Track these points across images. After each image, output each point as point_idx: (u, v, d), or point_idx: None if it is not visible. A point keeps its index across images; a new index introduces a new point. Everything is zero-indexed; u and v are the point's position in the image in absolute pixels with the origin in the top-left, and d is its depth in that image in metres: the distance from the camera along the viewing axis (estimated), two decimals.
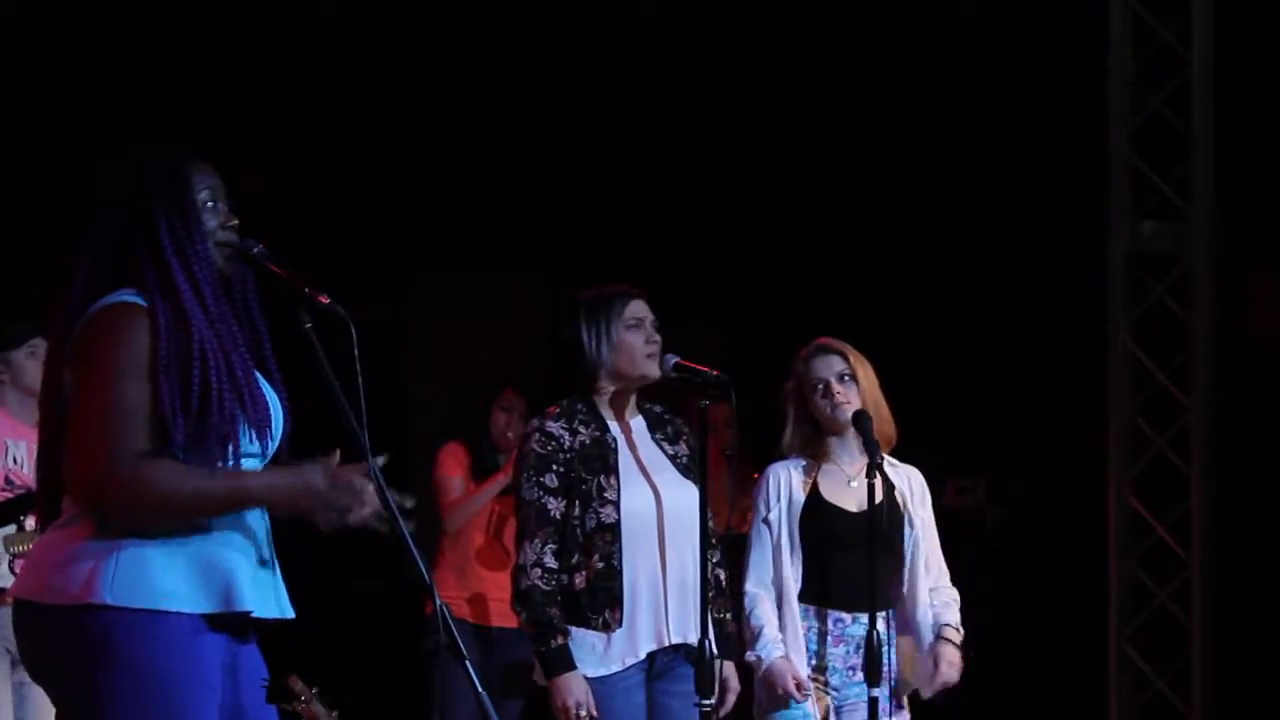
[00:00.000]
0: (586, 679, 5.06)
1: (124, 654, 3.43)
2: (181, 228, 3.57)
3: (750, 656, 5.42)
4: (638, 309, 5.25)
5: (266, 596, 3.58)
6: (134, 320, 3.49)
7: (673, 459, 5.27)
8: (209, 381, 3.49)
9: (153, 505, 3.44)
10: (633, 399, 5.29)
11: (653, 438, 5.28)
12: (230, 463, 3.52)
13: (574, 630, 5.09)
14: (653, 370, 5.22)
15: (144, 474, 3.42)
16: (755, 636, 5.40)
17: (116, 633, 3.43)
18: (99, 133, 7.69)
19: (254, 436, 3.56)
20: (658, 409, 5.35)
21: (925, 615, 5.50)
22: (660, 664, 5.17)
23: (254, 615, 3.54)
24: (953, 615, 5.53)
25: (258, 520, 3.62)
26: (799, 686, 5.32)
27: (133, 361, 3.46)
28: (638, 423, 5.29)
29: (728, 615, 5.31)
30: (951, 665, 5.48)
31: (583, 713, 5.02)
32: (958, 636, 5.51)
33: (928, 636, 5.50)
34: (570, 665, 5.05)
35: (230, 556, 3.53)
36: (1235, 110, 8.03)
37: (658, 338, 5.23)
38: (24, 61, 8.24)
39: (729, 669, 5.27)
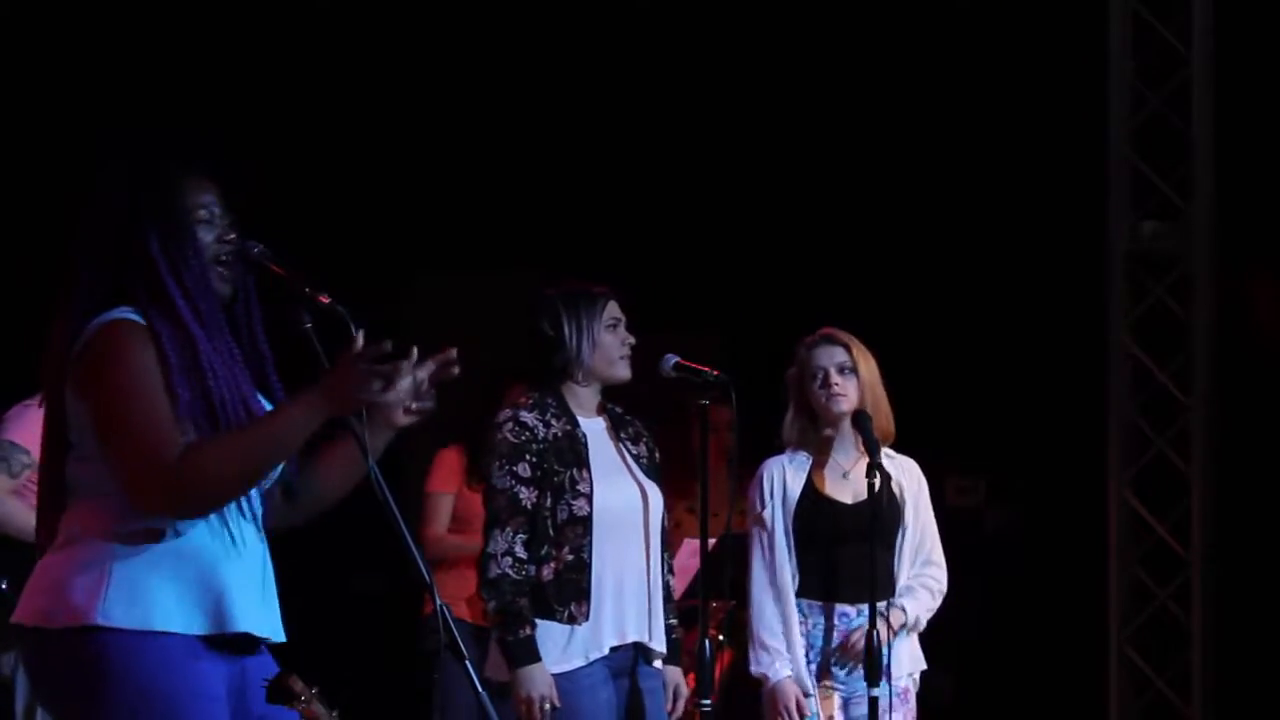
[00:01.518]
0: (552, 674, 5.05)
1: (121, 675, 3.43)
2: (174, 243, 3.55)
3: (755, 670, 5.42)
4: (615, 309, 5.24)
5: (259, 616, 3.57)
6: (136, 336, 3.48)
7: (636, 459, 5.27)
8: (211, 395, 3.48)
9: (216, 488, 3.44)
10: (598, 399, 5.28)
11: (618, 437, 5.27)
12: None
13: (539, 622, 5.07)
14: (624, 372, 5.22)
15: (195, 464, 3.41)
16: (761, 650, 5.40)
17: (112, 654, 3.43)
18: (96, 131, 7.68)
19: None
20: (618, 410, 5.34)
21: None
22: (623, 662, 5.16)
23: (249, 634, 3.53)
24: (911, 601, 5.48)
25: (255, 541, 3.61)
26: (800, 710, 5.34)
27: (147, 373, 3.45)
28: (602, 422, 5.27)
29: (675, 622, 5.30)
30: (855, 643, 5.40)
31: (546, 706, 5.01)
32: (897, 619, 5.42)
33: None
34: (535, 657, 5.02)
35: (224, 576, 3.51)
36: (1235, 110, 8.02)
37: (631, 339, 5.23)
38: (20, 60, 8.24)
39: (677, 675, 5.28)
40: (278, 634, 3.62)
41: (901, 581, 5.49)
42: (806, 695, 5.40)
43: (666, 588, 5.26)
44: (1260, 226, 8.35)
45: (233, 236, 3.61)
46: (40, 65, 8.32)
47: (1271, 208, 8.26)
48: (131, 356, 3.45)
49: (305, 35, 8.56)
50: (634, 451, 5.27)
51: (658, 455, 5.34)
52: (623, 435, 5.28)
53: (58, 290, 3.59)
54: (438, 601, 3.61)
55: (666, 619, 5.23)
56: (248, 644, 3.57)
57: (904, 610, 5.47)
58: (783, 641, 5.39)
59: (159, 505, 3.45)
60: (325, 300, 3.60)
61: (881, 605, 5.36)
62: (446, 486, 7.38)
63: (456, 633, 3.61)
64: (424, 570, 3.63)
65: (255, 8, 8.41)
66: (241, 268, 3.63)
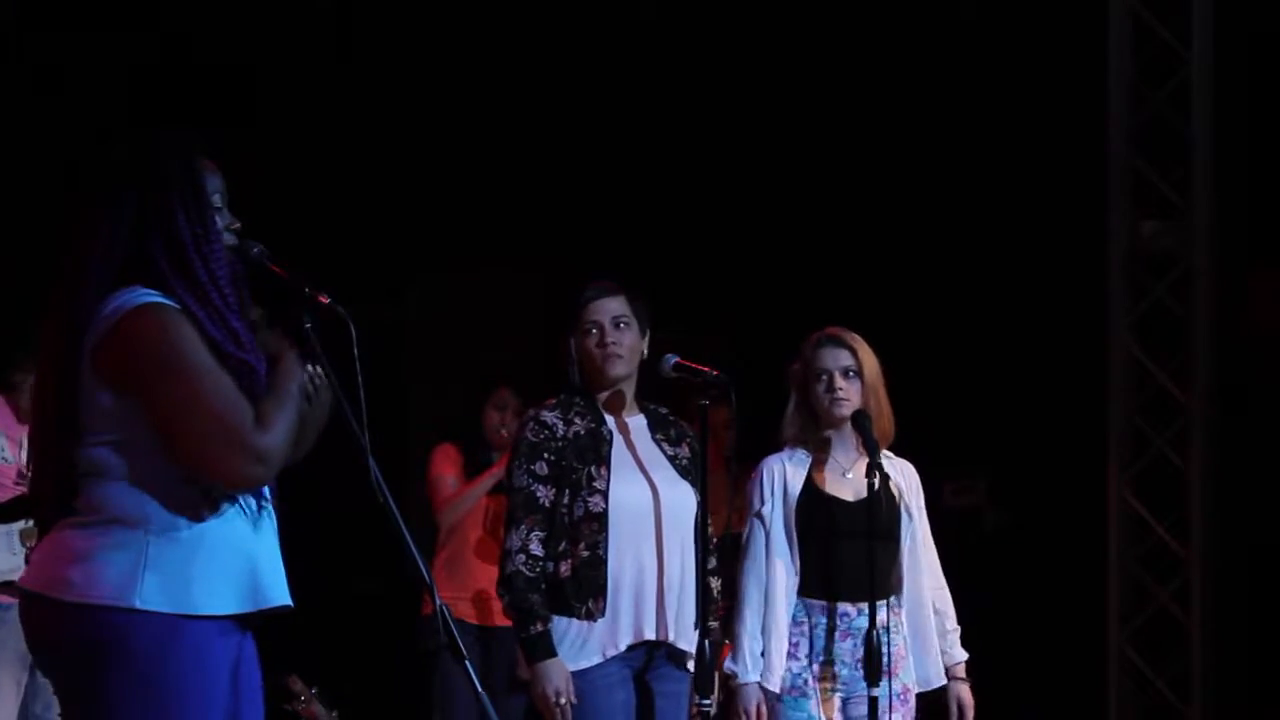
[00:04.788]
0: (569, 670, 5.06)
1: (139, 658, 3.42)
2: (199, 224, 3.56)
3: (728, 667, 5.42)
4: (594, 310, 5.25)
5: (283, 587, 3.60)
6: (176, 318, 3.47)
7: (672, 459, 5.27)
8: (250, 372, 3.51)
9: (284, 450, 3.51)
10: (630, 397, 5.29)
11: (652, 437, 5.28)
12: None
13: (557, 619, 5.09)
14: (611, 371, 5.22)
15: (270, 432, 3.47)
16: (736, 648, 5.41)
17: (135, 636, 3.43)
18: (95, 130, 7.69)
19: None
20: (663, 410, 5.36)
21: (926, 609, 5.51)
22: (650, 662, 5.16)
23: (280, 606, 3.55)
24: (959, 647, 5.57)
25: (269, 512, 3.62)
26: (759, 716, 5.35)
27: (200, 353, 3.46)
28: (637, 421, 5.29)
29: (715, 624, 5.30)
30: (972, 708, 5.55)
31: (563, 700, 5.02)
32: (961, 670, 5.57)
33: (929, 634, 5.51)
34: (550, 652, 5.05)
35: (253, 552, 3.54)
36: (1235, 110, 8.03)
37: (613, 339, 5.22)
38: (20, 59, 8.24)
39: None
40: (290, 600, 3.64)
41: (921, 582, 5.50)
42: (805, 696, 5.41)
43: (706, 590, 5.22)
44: (1260, 226, 8.36)
45: (238, 225, 3.62)
46: (39, 65, 8.33)
47: (1271, 208, 8.27)
48: (181, 340, 3.46)
49: (307, 36, 8.56)
50: (670, 452, 5.28)
51: (701, 457, 5.31)
52: (659, 435, 5.29)
53: (62, 268, 3.57)
54: (438, 601, 3.61)
55: (704, 621, 5.19)
56: (255, 618, 3.58)
57: (963, 665, 5.58)
58: (759, 644, 5.39)
59: (246, 480, 3.49)
60: (325, 300, 3.61)
61: (963, 656, 5.52)
62: (446, 470, 7.45)
63: (456, 633, 3.61)
64: (424, 571, 3.63)
65: (258, 8, 8.41)
66: (238, 266, 3.64)
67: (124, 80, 8.24)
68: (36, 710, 6.62)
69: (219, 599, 3.48)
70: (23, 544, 6.30)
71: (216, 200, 3.60)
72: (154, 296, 3.49)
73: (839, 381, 5.45)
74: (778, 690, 5.39)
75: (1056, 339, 8.56)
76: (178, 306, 3.49)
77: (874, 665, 5.28)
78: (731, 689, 5.40)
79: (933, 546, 5.61)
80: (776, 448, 5.58)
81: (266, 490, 3.63)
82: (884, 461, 5.46)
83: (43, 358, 3.60)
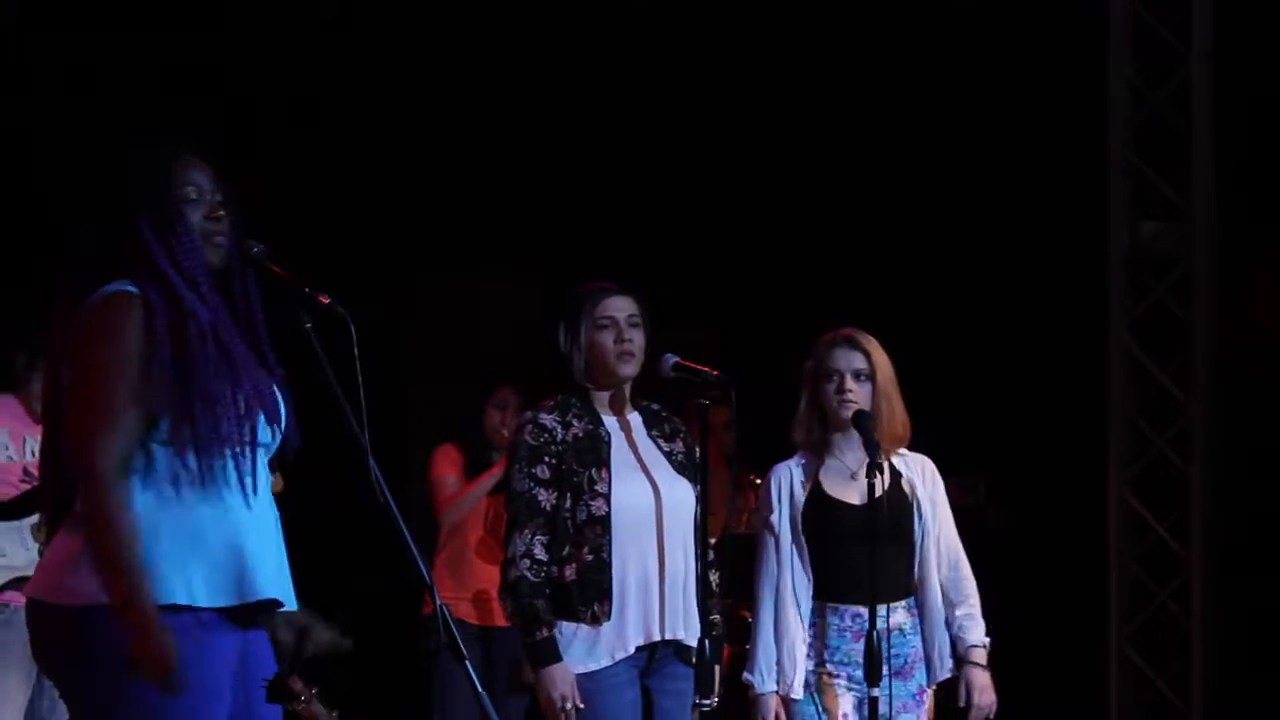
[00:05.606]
0: (576, 674, 5.06)
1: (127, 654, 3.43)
2: (163, 224, 3.58)
3: (745, 677, 5.42)
4: (610, 307, 5.20)
5: (277, 582, 3.60)
6: (126, 306, 3.50)
7: (668, 456, 5.25)
8: (192, 377, 3.49)
9: (99, 520, 3.44)
10: (627, 396, 5.27)
11: (649, 434, 5.26)
12: (245, 446, 3.53)
13: (563, 623, 5.08)
14: (623, 370, 5.18)
15: (116, 493, 3.44)
16: (753, 659, 5.41)
17: (120, 633, 3.43)
18: (92, 132, 7.69)
19: (265, 424, 3.59)
20: (655, 406, 5.34)
21: (937, 603, 5.49)
22: (654, 661, 5.16)
23: (270, 599, 3.55)
24: (977, 632, 5.50)
25: (267, 507, 3.63)
26: None
27: (125, 350, 3.48)
28: (633, 419, 5.27)
29: (717, 617, 5.30)
30: (984, 691, 5.46)
31: (568, 705, 5.02)
32: (985, 657, 5.48)
33: (939, 627, 5.49)
34: (556, 657, 5.03)
35: (245, 545, 3.54)
36: (1235, 110, 8.03)
37: (631, 336, 5.18)
38: (19, 59, 8.24)
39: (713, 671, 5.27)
40: (291, 600, 3.65)
41: (932, 579, 5.48)
42: (816, 695, 5.40)
43: (705, 583, 5.20)
44: (1260, 226, 8.36)
45: (222, 213, 3.62)
46: (35, 62, 8.33)
47: (1271, 208, 8.27)
48: (114, 331, 3.49)
49: (308, 36, 8.56)
50: (667, 449, 5.26)
51: (697, 452, 5.29)
52: (654, 433, 5.27)
53: (55, 276, 3.60)
54: (438, 601, 3.62)
55: (707, 615, 5.18)
56: (256, 612, 3.58)
57: (984, 646, 5.50)
58: (774, 654, 5.39)
59: (90, 462, 3.45)
60: (325, 300, 3.61)
61: (977, 640, 5.45)
62: (448, 470, 7.44)
63: (456, 633, 3.61)
64: (424, 571, 3.64)
65: (259, 10, 8.41)
66: (234, 244, 3.64)
67: (123, 82, 8.24)
68: (42, 709, 6.63)
69: (199, 592, 3.49)
70: (35, 539, 6.32)
71: (189, 192, 3.61)
72: (124, 286, 3.53)
73: (849, 383, 5.43)
74: (802, 696, 5.38)
75: (1056, 339, 8.56)
76: (140, 295, 3.51)
77: (874, 666, 5.27)
78: (750, 699, 5.41)
79: (953, 534, 5.56)
80: (777, 447, 5.57)
81: (267, 487, 3.64)
82: (898, 460, 5.45)
83: (48, 361, 3.65)
